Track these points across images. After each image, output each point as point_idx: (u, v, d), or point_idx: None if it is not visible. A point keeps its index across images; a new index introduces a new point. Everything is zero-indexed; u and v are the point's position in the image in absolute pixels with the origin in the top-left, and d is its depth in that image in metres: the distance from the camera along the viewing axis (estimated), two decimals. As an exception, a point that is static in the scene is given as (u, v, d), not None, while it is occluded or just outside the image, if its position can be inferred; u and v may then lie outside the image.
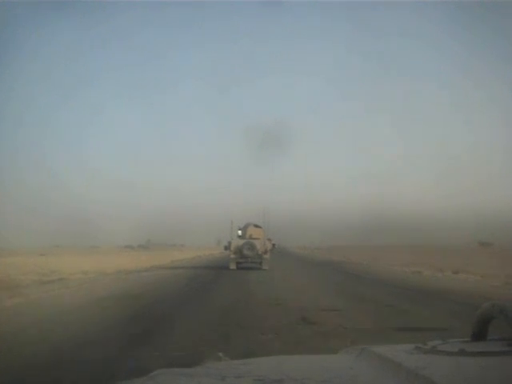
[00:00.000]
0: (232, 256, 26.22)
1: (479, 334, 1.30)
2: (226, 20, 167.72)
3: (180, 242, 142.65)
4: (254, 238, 26.39)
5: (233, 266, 26.01)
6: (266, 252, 26.22)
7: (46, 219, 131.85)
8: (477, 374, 1.04)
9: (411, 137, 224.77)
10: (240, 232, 27.14)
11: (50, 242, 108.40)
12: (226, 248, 27.15)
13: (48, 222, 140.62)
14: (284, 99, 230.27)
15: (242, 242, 26.11)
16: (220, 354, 1.45)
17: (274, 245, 28.14)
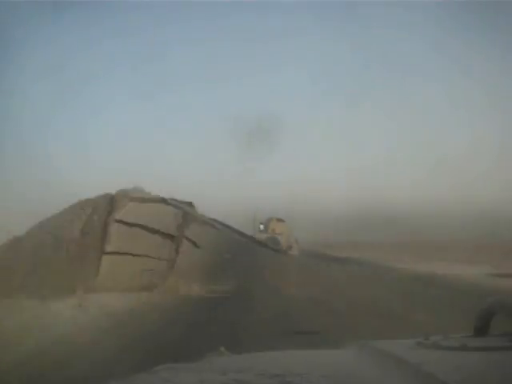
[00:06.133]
0: None
1: (481, 330, 1.30)
2: (220, 18, 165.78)
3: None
4: (277, 233, 25.34)
5: None
6: (290, 248, 25.20)
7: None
8: (479, 369, 1.04)
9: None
10: (262, 226, 25.94)
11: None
12: None
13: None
14: (276, 94, 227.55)
15: (264, 236, 24.79)
16: (222, 349, 1.45)
17: (296, 240, 26.92)
